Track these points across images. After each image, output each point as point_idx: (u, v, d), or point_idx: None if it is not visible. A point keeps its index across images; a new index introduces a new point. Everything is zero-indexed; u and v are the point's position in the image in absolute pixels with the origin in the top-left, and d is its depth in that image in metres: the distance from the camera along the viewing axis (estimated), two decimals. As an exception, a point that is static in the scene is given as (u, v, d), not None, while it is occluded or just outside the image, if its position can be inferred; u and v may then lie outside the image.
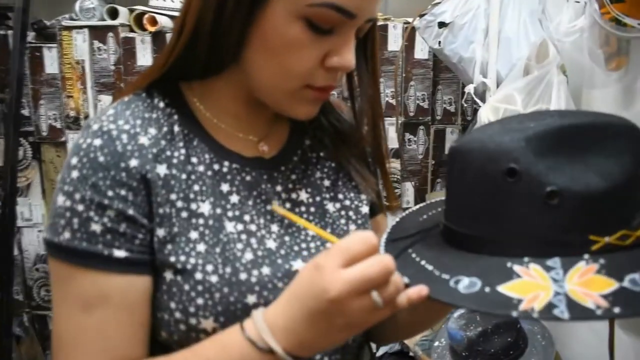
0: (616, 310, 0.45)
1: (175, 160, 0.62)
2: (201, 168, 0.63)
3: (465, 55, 1.70)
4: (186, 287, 0.59)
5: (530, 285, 0.49)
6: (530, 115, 0.59)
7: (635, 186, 0.53)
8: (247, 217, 0.64)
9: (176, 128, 0.63)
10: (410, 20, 1.99)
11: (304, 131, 0.74)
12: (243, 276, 0.60)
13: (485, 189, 0.54)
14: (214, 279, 0.59)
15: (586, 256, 0.51)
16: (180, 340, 0.60)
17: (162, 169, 0.60)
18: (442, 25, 1.69)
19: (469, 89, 1.67)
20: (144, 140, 0.60)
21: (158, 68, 0.65)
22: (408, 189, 2.28)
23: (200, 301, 0.58)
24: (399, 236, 0.63)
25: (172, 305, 0.59)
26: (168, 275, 0.59)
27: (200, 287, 0.59)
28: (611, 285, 0.48)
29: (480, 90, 1.68)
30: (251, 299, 0.60)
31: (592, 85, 1.21)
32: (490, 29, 1.66)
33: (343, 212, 0.71)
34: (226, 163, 0.65)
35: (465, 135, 0.57)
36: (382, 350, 1.91)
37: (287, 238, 0.66)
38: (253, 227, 0.64)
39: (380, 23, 2.11)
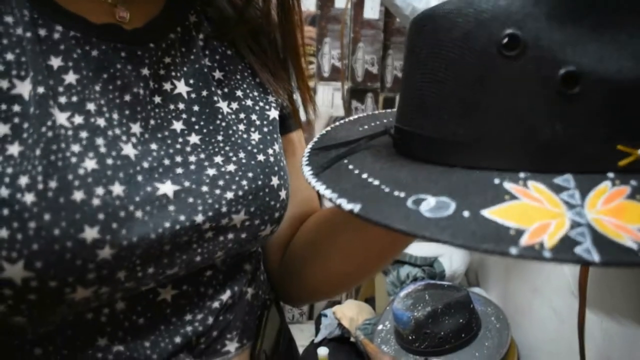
0: None
1: None
2: (19, 31, 0.41)
3: (419, 6, 1.52)
4: None
5: (534, 210, 0.31)
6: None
7: None
8: (91, 107, 0.43)
9: None
10: (360, -27, 1.81)
11: (189, 4, 0.53)
12: (79, 195, 0.39)
13: (468, 69, 0.36)
14: (29, 198, 0.37)
15: (611, 174, 0.34)
16: None
17: None
18: (395, -28, 1.50)
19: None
20: None
21: None
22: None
23: (3, 234, 0.37)
24: (330, 144, 0.44)
25: None
26: None
27: (5, 211, 0.37)
28: None
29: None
30: (90, 233, 0.38)
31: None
32: (448, -20, 1.50)
33: (242, 115, 0.51)
34: (59, 28, 0.43)
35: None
36: (321, 335, 1.74)
37: (154, 145, 0.45)
38: (101, 122, 0.43)
39: (327, -23, 1.92)
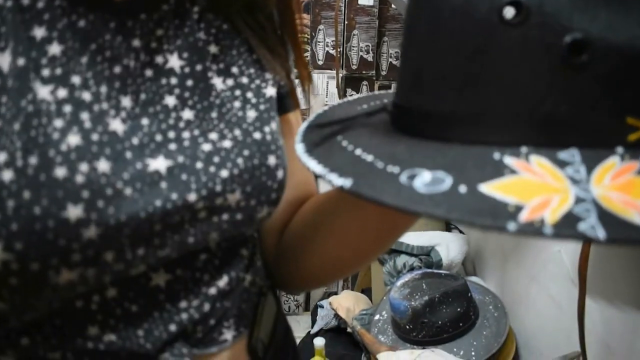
0: None
1: None
2: None
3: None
4: None
5: (535, 185, 0.30)
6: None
7: None
8: (76, 80, 0.40)
9: None
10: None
11: None
12: (61, 172, 0.37)
13: (468, 38, 0.34)
14: (7, 175, 0.35)
15: (620, 149, 0.32)
16: None
17: None
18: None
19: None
20: None
21: None
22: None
23: None
24: (326, 121, 0.42)
25: None
26: None
27: None
28: None
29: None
30: (73, 211, 0.36)
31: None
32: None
33: (238, 92, 0.49)
34: None
35: None
36: (317, 326, 1.73)
37: (145, 120, 0.43)
38: (87, 96, 0.40)
39: (321, -37, 1.89)
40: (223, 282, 0.48)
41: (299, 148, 0.38)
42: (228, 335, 0.49)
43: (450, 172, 0.30)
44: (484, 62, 0.33)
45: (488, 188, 0.29)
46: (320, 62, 1.98)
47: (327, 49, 1.94)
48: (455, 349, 1.21)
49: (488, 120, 0.33)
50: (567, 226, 0.27)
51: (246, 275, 0.52)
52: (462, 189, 0.29)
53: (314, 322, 1.80)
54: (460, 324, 1.24)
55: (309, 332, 1.78)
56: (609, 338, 1.00)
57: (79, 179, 0.37)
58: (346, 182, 0.31)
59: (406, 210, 0.28)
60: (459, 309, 1.24)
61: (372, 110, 0.42)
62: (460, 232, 1.73)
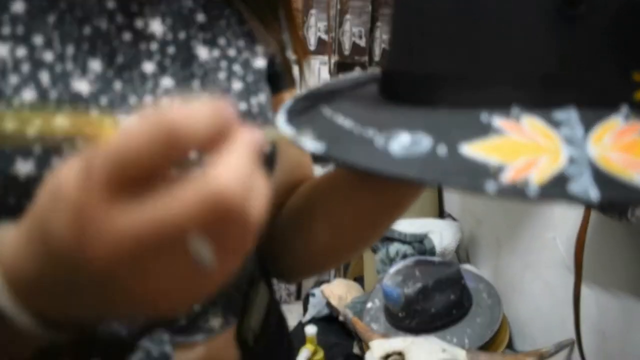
0: None
1: None
2: None
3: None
4: None
5: (522, 146, 0.27)
6: None
7: None
8: (38, 40, 0.39)
9: None
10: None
11: None
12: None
13: None
14: None
15: (624, 108, 0.30)
16: None
17: None
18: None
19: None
20: None
21: None
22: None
23: None
24: (316, 93, 0.40)
25: None
26: None
27: None
28: None
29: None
30: (23, 167, 0.35)
31: None
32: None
33: (224, 63, 0.47)
34: None
35: None
36: (309, 314, 1.71)
37: (118, 84, 0.41)
38: (48, 56, 0.39)
39: (312, -55, 1.86)
40: None
41: (280, 118, 0.36)
42: (215, 323, 0.46)
43: (431, 133, 0.28)
44: (472, 18, 0.30)
45: (470, 149, 0.26)
46: (312, 48, 1.94)
47: (319, 34, 1.91)
48: (448, 337, 1.19)
49: (478, 80, 0.30)
50: (554, 187, 0.24)
51: None
52: (441, 150, 0.26)
53: (305, 310, 1.78)
54: (454, 312, 1.22)
55: (301, 320, 1.76)
56: (604, 325, 0.98)
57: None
58: (319, 147, 0.29)
59: (378, 173, 0.26)
60: (452, 297, 1.22)
61: (361, 81, 0.39)
62: (454, 219, 1.71)
